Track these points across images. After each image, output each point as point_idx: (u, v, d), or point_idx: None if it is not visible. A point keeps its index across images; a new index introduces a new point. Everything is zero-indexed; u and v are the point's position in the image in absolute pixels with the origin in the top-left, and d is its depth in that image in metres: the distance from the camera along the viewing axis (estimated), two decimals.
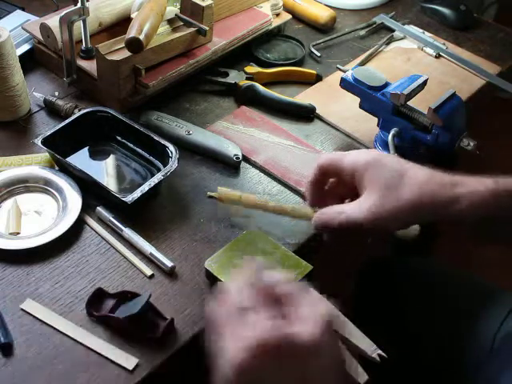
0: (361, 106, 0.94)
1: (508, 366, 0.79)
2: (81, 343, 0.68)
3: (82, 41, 0.98)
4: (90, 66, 0.97)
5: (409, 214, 0.66)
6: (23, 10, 1.12)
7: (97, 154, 0.90)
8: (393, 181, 0.66)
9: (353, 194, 0.71)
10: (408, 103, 0.89)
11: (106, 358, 0.67)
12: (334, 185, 0.74)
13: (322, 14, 1.18)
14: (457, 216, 0.65)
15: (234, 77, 1.03)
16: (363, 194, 0.68)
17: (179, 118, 0.95)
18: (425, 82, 0.90)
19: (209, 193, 0.85)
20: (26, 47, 1.03)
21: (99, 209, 0.81)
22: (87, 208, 0.81)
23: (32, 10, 1.12)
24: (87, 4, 0.93)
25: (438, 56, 1.15)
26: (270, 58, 1.10)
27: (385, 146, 0.93)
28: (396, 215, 0.66)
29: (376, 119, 0.93)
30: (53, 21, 0.97)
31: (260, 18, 1.08)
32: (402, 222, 0.69)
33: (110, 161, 0.90)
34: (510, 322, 0.86)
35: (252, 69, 1.04)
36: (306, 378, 0.52)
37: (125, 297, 0.71)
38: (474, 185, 0.65)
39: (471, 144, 0.87)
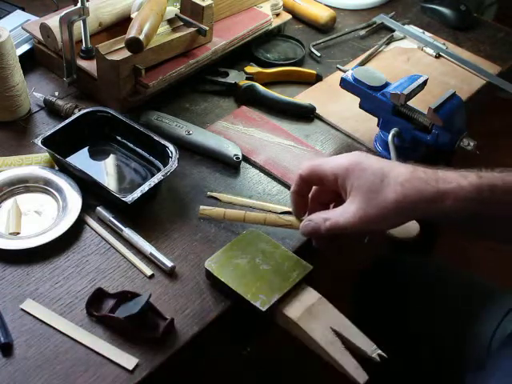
0: (361, 106, 0.94)
1: (503, 366, 0.79)
2: (81, 343, 0.68)
3: (82, 41, 0.98)
4: (90, 65, 0.97)
5: (395, 214, 0.66)
6: (23, 10, 1.12)
7: (97, 154, 0.90)
8: (375, 183, 0.65)
9: (337, 198, 0.72)
10: (408, 103, 0.89)
11: (106, 358, 0.67)
12: (317, 191, 0.74)
13: (322, 14, 1.18)
14: (443, 212, 0.65)
15: (234, 77, 1.03)
16: (347, 199, 0.68)
17: (179, 118, 0.95)
18: (425, 82, 0.90)
19: (209, 193, 0.85)
20: (26, 47, 1.03)
21: (99, 209, 0.81)
22: (87, 208, 0.81)
23: (32, 10, 1.12)
24: (87, 4, 0.93)
25: (438, 56, 1.15)
26: (270, 58, 1.10)
27: (385, 146, 0.93)
28: (382, 217, 0.66)
29: (376, 119, 0.93)
30: (53, 21, 0.97)
31: (260, 18, 1.08)
32: (389, 223, 0.69)
33: (110, 161, 0.90)
34: (506, 322, 0.86)
35: (252, 69, 1.04)
36: None
37: (125, 297, 0.71)
38: (458, 180, 0.64)
39: (471, 144, 0.87)
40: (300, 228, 0.73)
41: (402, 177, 0.65)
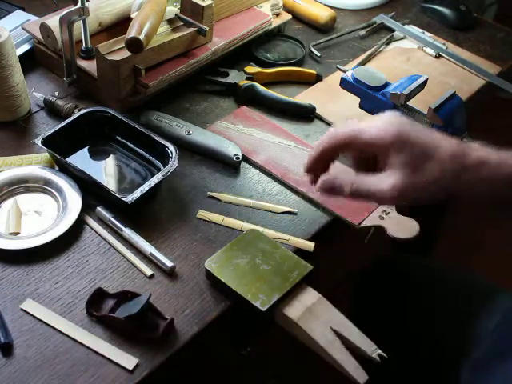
0: (361, 106, 0.94)
1: (499, 366, 0.79)
2: (81, 343, 0.68)
3: (82, 41, 0.98)
4: (90, 66, 0.97)
5: (432, 192, 0.63)
6: (23, 10, 1.12)
7: (97, 154, 0.90)
8: (419, 160, 0.62)
9: (365, 164, 0.67)
10: (408, 103, 0.89)
11: (106, 358, 0.67)
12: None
13: (322, 14, 1.18)
14: (477, 197, 0.63)
15: (234, 77, 1.03)
16: (386, 170, 0.63)
17: (179, 118, 0.95)
18: (425, 82, 0.90)
19: (209, 193, 0.85)
20: (26, 47, 1.03)
21: (99, 209, 0.81)
22: (87, 208, 0.81)
23: (32, 10, 1.12)
24: (87, 4, 0.93)
25: (438, 56, 1.15)
26: (270, 58, 1.10)
27: None
28: (419, 193, 0.62)
29: None
30: (53, 21, 0.97)
31: (260, 18, 1.08)
32: (423, 199, 0.64)
33: (110, 161, 0.90)
34: (504, 322, 0.86)
35: (252, 69, 1.04)
36: None
37: (125, 297, 0.71)
38: (497, 166, 0.62)
39: None
40: (319, 182, 0.66)
41: (446, 153, 0.62)
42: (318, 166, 0.68)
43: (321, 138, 0.66)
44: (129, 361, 0.67)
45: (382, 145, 0.63)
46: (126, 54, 0.90)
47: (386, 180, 0.63)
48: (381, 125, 0.64)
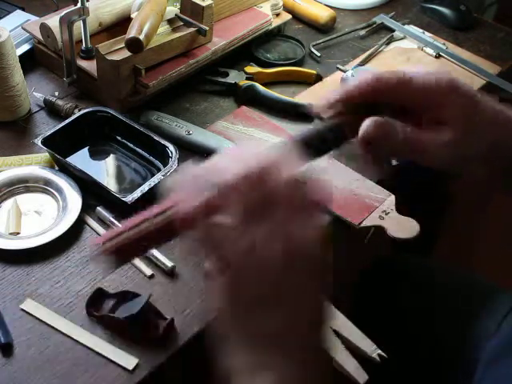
0: None
1: (503, 366, 0.79)
2: (81, 343, 0.68)
3: (82, 41, 0.98)
4: (90, 65, 0.97)
5: (485, 151, 0.58)
6: (23, 10, 1.12)
7: (97, 154, 0.90)
8: (473, 112, 0.57)
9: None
10: None
11: (106, 358, 0.67)
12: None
13: (322, 14, 1.18)
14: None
15: (234, 77, 1.03)
16: (439, 124, 0.57)
17: (179, 118, 0.95)
18: None
19: None
20: (26, 47, 1.03)
21: (99, 209, 0.81)
22: (87, 208, 0.81)
23: (32, 10, 1.12)
24: (87, 4, 0.93)
25: (437, 56, 1.15)
26: (270, 58, 1.10)
27: None
28: (475, 154, 0.57)
29: None
30: (53, 21, 0.97)
31: (260, 18, 1.08)
32: (477, 158, 0.59)
33: (110, 161, 0.90)
34: (509, 322, 0.86)
35: (252, 69, 1.04)
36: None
37: (125, 297, 0.71)
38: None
39: None
40: (366, 122, 0.56)
41: (488, 103, 0.58)
42: (338, 106, 0.59)
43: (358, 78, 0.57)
44: (129, 361, 0.67)
45: (437, 93, 0.56)
46: (126, 53, 0.90)
47: (440, 135, 0.56)
48: (432, 73, 0.57)
